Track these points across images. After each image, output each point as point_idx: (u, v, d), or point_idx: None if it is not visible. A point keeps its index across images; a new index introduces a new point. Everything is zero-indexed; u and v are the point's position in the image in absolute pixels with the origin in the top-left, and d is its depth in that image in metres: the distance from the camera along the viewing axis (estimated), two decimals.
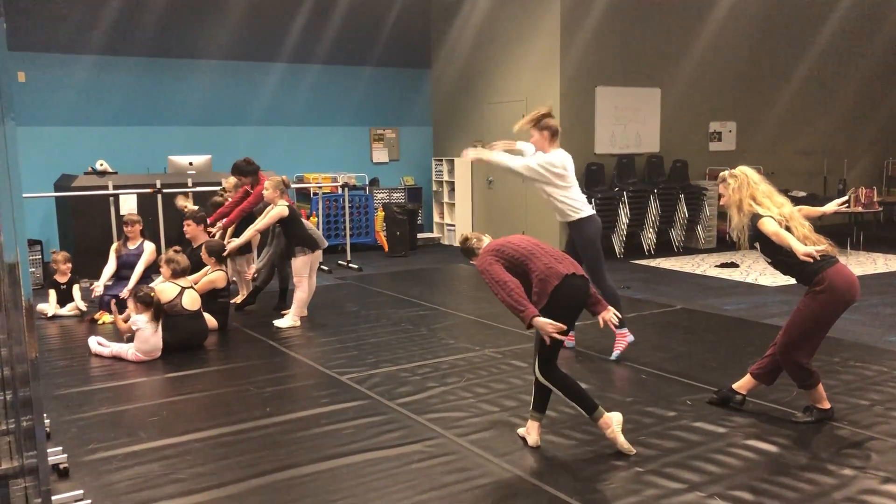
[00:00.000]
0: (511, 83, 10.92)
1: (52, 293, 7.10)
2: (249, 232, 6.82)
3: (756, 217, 4.08)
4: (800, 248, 3.86)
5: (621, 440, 3.81)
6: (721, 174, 4.34)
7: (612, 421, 3.83)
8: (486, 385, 4.92)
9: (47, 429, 4.04)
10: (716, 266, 9.41)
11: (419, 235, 11.72)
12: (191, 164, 9.50)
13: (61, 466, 3.65)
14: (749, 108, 11.65)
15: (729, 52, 11.30)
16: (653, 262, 9.81)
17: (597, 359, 5.51)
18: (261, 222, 6.69)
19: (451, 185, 11.94)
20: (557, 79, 10.15)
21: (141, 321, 5.57)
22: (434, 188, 12.31)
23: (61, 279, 7.13)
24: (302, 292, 6.68)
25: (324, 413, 4.44)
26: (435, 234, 12.29)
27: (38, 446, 2.55)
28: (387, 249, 10.88)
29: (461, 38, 11.64)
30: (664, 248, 10.61)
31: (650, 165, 10.86)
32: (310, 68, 11.37)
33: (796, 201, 11.22)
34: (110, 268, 7.16)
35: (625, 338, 5.52)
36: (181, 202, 7.90)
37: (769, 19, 11.54)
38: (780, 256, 4.09)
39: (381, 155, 12.22)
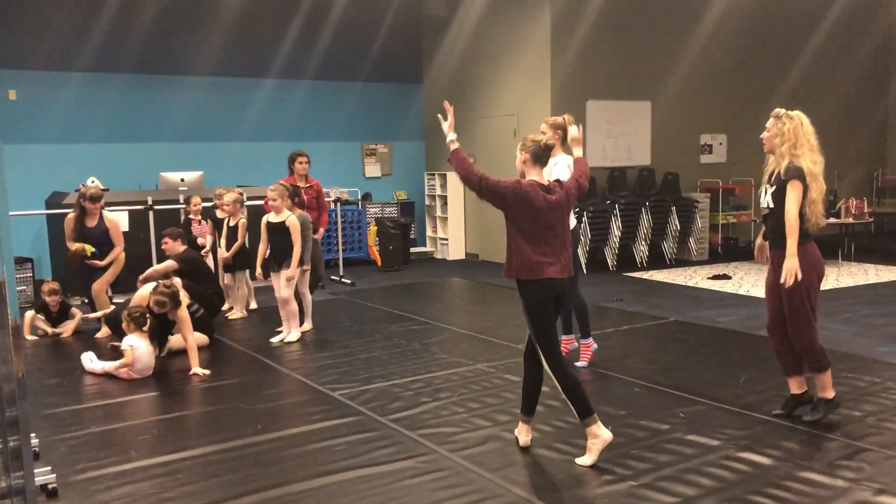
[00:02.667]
0: (502, 98, 10.96)
1: (30, 315, 7.03)
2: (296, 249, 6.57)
3: (793, 170, 4.17)
4: (792, 234, 4.11)
5: (593, 457, 3.83)
6: (777, 110, 4.33)
7: (602, 437, 3.83)
8: (479, 400, 4.90)
9: (36, 448, 4.00)
10: (708, 278, 9.42)
11: (412, 250, 11.72)
12: (182, 180, 9.48)
13: (50, 487, 3.61)
14: (739, 121, 11.71)
15: (718, 64, 11.38)
16: (645, 275, 9.82)
17: (589, 372, 5.49)
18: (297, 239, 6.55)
19: (444, 199, 11.95)
20: (548, 93, 10.19)
21: (135, 342, 5.54)
22: (427, 202, 12.32)
23: (53, 308, 7.05)
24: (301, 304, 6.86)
25: (316, 430, 4.41)
26: (428, 249, 12.29)
27: (24, 467, 2.53)
28: (380, 264, 10.87)
29: (452, 53, 11.69)
30: (656, 260, 10.63)
31: (642, 178, 10.89)
32: (301, 84, 11.39)
33: None
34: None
35: (589, 347, 5.64)
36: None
37: (757, 32, 11.63)
38: (779, 212, 4.21)
39: (373, 170, 12.23)
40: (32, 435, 3.77)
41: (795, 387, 4.45)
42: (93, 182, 9.18)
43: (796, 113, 4.32)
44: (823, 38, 12.03)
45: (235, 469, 3.90)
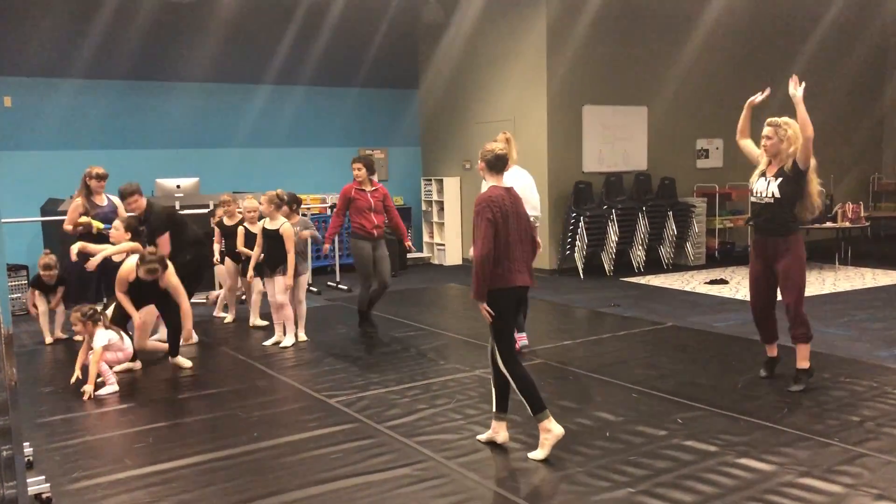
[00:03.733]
0: (498, 103, 10.96)
1: (44, 318, 7.00)
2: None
3: (800, 169, 4.81)
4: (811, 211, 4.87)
5: (545, 451, 3.98)
6: (772, 119, 5.02)
7: (554, 432, 3.97)
8: (476, 406, 4.88)
9: (29, 457, 3.97)
10: (705, 283, 9.42)
11: (409, 255, 11.70)
12: (178, 186, 9.46)
13: (44, 496, 3.58)
14: (735, 125, 11.66)
15: (714, 69, 11.40)
16: (642, 280, 9.81)
17: (586, 377, 5.48)
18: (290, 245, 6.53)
19: (441, 204, 11.94)
20: (544, 98, 10.20)
21: (104, 337, 5.49)
22: (423, 208, 12.31)
23: (48, 282, 6.99)
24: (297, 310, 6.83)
25: (312, 437, 4.39)
26: (425, 254, 12.28)
27: (17, 476, 2.51)
28: None
29: (448, 59, 11.69)
30: (653, 265, 10.63)
31: (638, 183, 10.89)
32: (296, 89, 11.39)
33: None
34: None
35: (520, 341, 5.98)
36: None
37: (753, 37, 11.66)
38: (788, 205, 4.85)
39: None
40: (26, 444, 3.75)
41: (773, 351, 5.32)
42: None
43: (790, 120, 4.92)
44: (818, 43, 12.05)
45: (231, 477, 3.87)
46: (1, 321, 2.41)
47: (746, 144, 5.40)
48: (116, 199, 7.01)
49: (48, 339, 6.96)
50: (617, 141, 10.87)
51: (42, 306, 7.02)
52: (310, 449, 4.21)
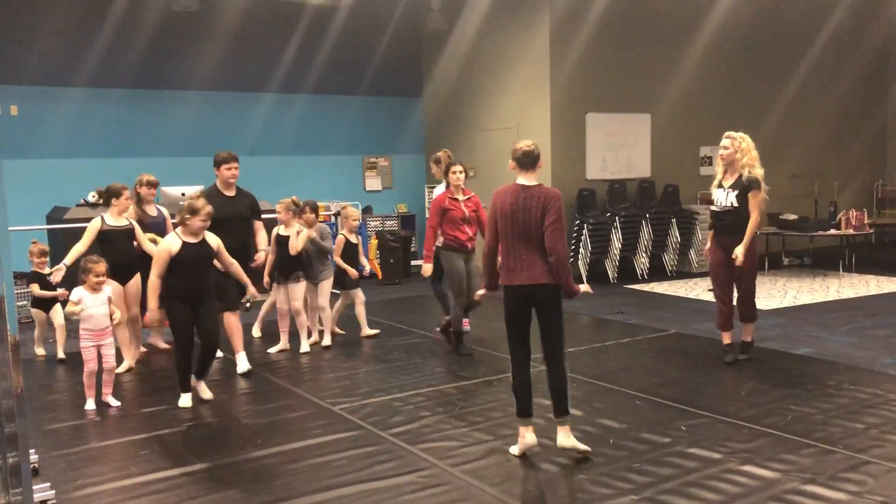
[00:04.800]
0: (502, 110, 10.98)
1: (41, 329, 6.76)
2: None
3: (755, 182, 5.66)
4: (753, 229, 5.67)
5: (519, 450, 4.13)
6: (729, 133, 5.82)
7: (527, 441, 4.12)
8: (480, 413, 4.88)
9: (35, 464, 3.98)
10: (709, 290, 9.37)
11: (413, 263, 11.71)
12: (183, 194, 9.46)
13: (49, 503, 3.59)
14: (739, 132, 11.70)
15: (717, 76, 11.41)
16: (646, 287, 9.81)
17: (590, 384, 5.48)
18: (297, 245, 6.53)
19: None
20: (548, 105, 10.21)
21: (83, 295, 5.19)
22: (427, 215, 12.31)
23: (42, 270, 6.63)
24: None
25: (316, 444, 4.40)
26: (417, 262, 12.28)
27: (23, 483, 2.52)
28: (381, 277, 10.86)
29: (452, 67, 11.72)
30: (657, 272, 10.62)
31: (642, 190, 10.90)
32: (301, 98, 11.42)
33: (787, 225, 11.21)
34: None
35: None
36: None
37: (756, 44, 11.67)
38: (743, 212, 5.65)
39: (373, 183, 12.25)
40: (32, 451, 3.77)
41: (729, 337, 6.00)
42: (94, 197, 9.18)
43: (745, 135, 5.80)
44: (821, 50, 12.05)
45: (235, 484, 3.88)
46: (7, 328, 2.43)
47: None
48: (166, 210, 6.91)
49: (41, 351, 6.75)
50: (620, 148, 10.87)
51: (40, 315, 6.69)
52: (314, 456, 4.22)
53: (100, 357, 5.24)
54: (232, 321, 5.97)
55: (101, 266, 5.27)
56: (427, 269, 6.48)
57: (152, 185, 6.70)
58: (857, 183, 13.15)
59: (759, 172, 5.69)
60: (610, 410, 4.90)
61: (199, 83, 10.65)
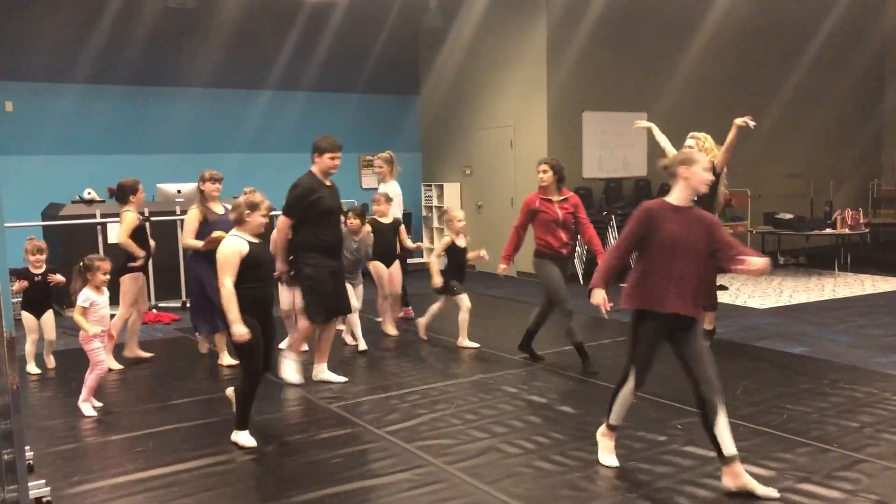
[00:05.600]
0: (499, 109, 10.99)
1: (32, 339, 6.07)
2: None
3: (715, 172, 5.88)
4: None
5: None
6: (693, 133, 6.59)
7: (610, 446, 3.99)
8: (476, 411, 4.88)
9: (30, 461, 3.97)
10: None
11: (409, 261, 11.69)
12: (179, 191, 9.47)
13: (44, 500, 3.58)
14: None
15: (714, 75, 11.42)
16: None
17: (587, 383, 5.48)
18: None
19: (441, 210, 11.96)
20: (544, 104, 10.22)
21: (88, 296, 5.02)
22: (423, 213, 12.32)
23: (37, 270, 5.98)
24: None
25: (312, 441, 4.39)
26: (425, 260, 12.28)
27: (18, 480, 2.52)
28: None
29: (449, 65, 11.72)
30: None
31: (638, 189, 10.91)
32: (297, 95, 11.41)
33: (783, 224, 11.24)
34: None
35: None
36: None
37: (753, 43, 11.69)
38: (707, 202, 5.49)
39: (370, 181, 12.23)
40: (27, 447, 3.75)
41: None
42: (89, 194, 9.18)
43: (707, 135, 6.58)
44: (818, 50, 12.08)
45: (231, 482, 3.88)
46: (3, 325, 2.42)
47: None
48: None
49: (34, 369, 6.03)
50: (617, 147, 10.88)
51: (31, 322, 6.06)
52: (310, 453, 4.22)
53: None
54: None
55: (108, 264, 5.14)
56: (502, 269, 6.19)
57: (216, 179, 6.22)
58: (852, 182, 13.18)
59: (724, 170, 6.44)
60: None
61: (196, 80, 10.63)
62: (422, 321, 6.99)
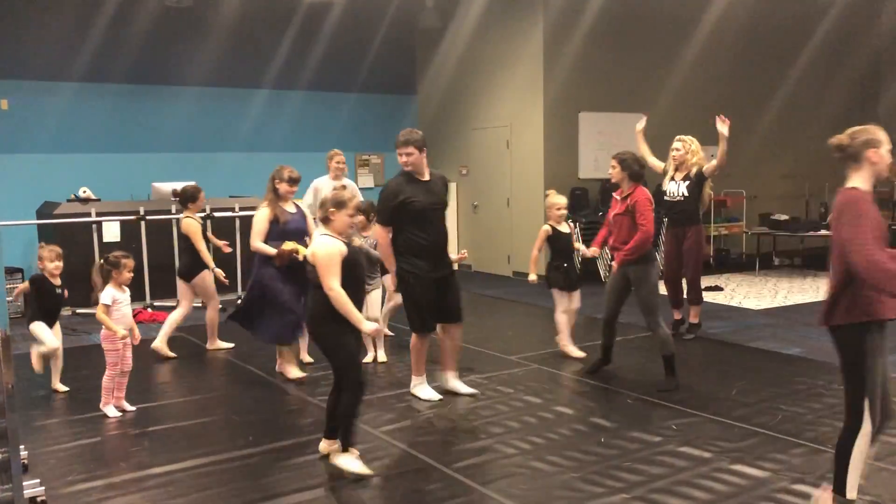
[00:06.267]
0: (495, 109, 10.99)
1: (42, 354, 5.42)
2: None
3: (703, 175, 6.58)
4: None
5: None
6: (679, 136, 6.83)
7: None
8: (473, 412, 4.88)
9: (25, 460, 3.96)
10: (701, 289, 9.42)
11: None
12: (174, 191, 9.44)
13: (39, 499, 3.58)
14: (732, 132, 11.63)
15: (710, 77, 11.43)
16: None
17: (581, 383, 5.49)
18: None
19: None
20: (541, 104, 10.22)
21: (109, 294, 4.89)
22: None
23: (55, 275, 5.38)
24: None
25: (307, 441, 4.39)
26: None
27: (13, 479, 2.52)
28: None
29: (445, 65, 11.72)
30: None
31: None
32: (294, 94, 11.40)
33: (778, 225, 11.24)
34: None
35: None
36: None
37: (749, 46, 11.70)
38: (693, 201, 6.55)
39: (366, 180, 12.22)
40: (21, 447, 3.74)
41: (678, 315, 6.82)
42: (84, 192, 9.15)
43: (693, 138, 6.79)
44: (814, 53, 12.09)
45: (226, 481, 3.87)
46: None
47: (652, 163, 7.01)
48: (304, 206, 6.06)
49: (60, 387, 5.50)
50: (613, 148, 10.77)
51: (45, 334, 5.34)
52: (305, 453, 4.21)
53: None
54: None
55: (133, 262, 5.02)
56: (592, 251, 6.05)
57: (294, 181, 5.67)
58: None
59: (705, 167, 6.67)
60: (600, 409, 4.91)
61: (191, 79, 10.61)
62: (562, 341, 6.22)
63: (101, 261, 5.06)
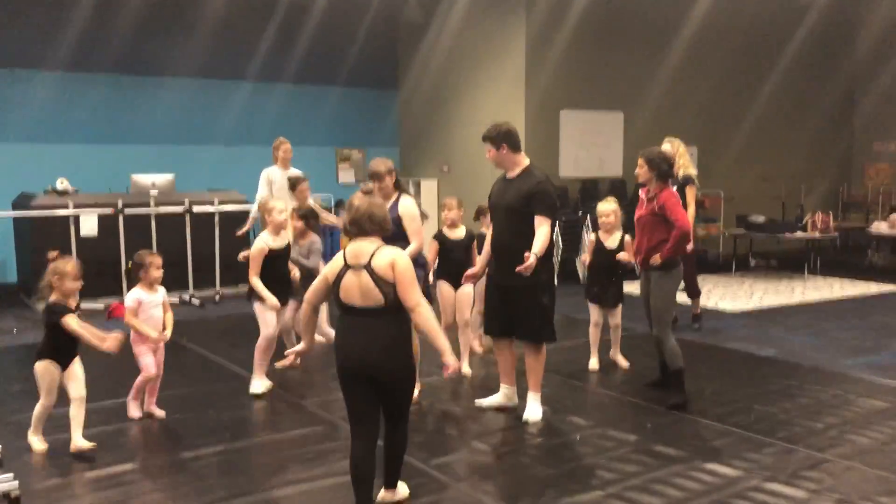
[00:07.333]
0: (477, 106, 11.00)
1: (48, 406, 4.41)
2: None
3: (690, 178, 6.61)
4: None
5: None
6: (668, 137, 6.64)
7: None
8: (450, 409, 4.91)
9: None
10: (679, 290, 9.49)
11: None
12: (153, 183, 9.34)
13: (12, 495, 3.55)
14: (711, 134, 11.86)
15: (690, 77, 11.52)
16: None
17: (559, 382, 5.53)
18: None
19: (418, 205, 11.95)
20: (523, 101, 10.26)
21: (136, 296, 4.66)
22: None
23: (74, 303, 4.30)
24: None
25: (285, 438, 4.39)
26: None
27: None
28: None
29: (428, 61, 11.71)
30: (627, 271, 10.70)
31: (614, 189, 10.97)
32: (277, 87, 11.34)
33: (755, 227, 11.33)
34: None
35: None
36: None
37: (730, 48, 11.80)
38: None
39: (347, 176, 12.21)
40: None
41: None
42: (62, 184, 9.04)
43: (679, 140, 6.66)
44: (795, 58, 12.19)
45: (204, 477, 3.87)
46: None
47: None
48: (406, 206, 5.38)
49: (39, 445, 4.29)
50: (593, 146, 10.95)
51: (54, 375, 4.30)
52: (283, 450, 4.22)
53: None
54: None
55: (160, 258, 4.71)
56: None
57: (379, 176, 5.21)
58: (823, 187, 13.37)
59: (692, 172, 6.68)
60: (577, 408, 4.95)
61: (176, 70, 10.51)
62: (593, 361, 5.91)
63: (129, 264, 4.66)
